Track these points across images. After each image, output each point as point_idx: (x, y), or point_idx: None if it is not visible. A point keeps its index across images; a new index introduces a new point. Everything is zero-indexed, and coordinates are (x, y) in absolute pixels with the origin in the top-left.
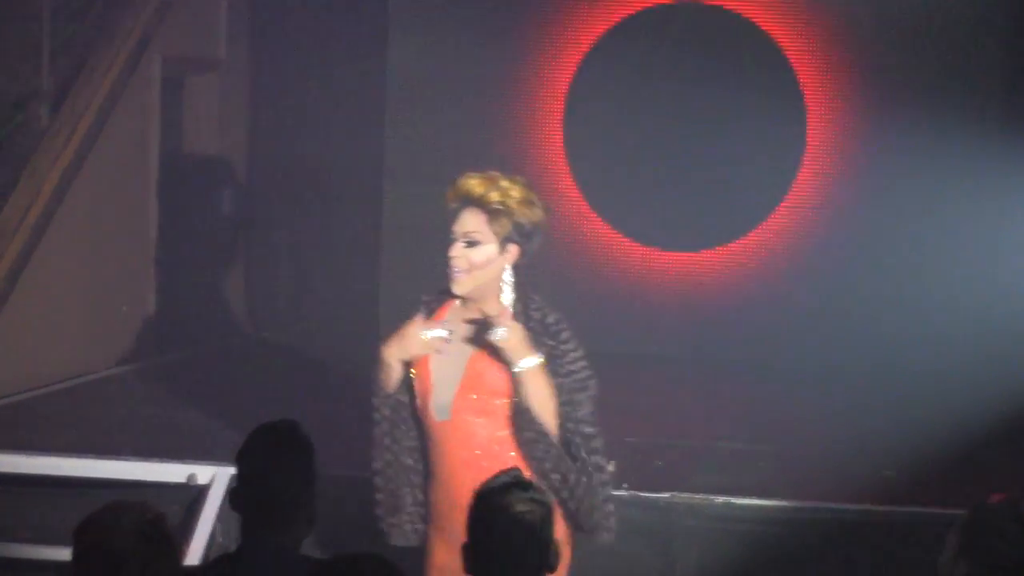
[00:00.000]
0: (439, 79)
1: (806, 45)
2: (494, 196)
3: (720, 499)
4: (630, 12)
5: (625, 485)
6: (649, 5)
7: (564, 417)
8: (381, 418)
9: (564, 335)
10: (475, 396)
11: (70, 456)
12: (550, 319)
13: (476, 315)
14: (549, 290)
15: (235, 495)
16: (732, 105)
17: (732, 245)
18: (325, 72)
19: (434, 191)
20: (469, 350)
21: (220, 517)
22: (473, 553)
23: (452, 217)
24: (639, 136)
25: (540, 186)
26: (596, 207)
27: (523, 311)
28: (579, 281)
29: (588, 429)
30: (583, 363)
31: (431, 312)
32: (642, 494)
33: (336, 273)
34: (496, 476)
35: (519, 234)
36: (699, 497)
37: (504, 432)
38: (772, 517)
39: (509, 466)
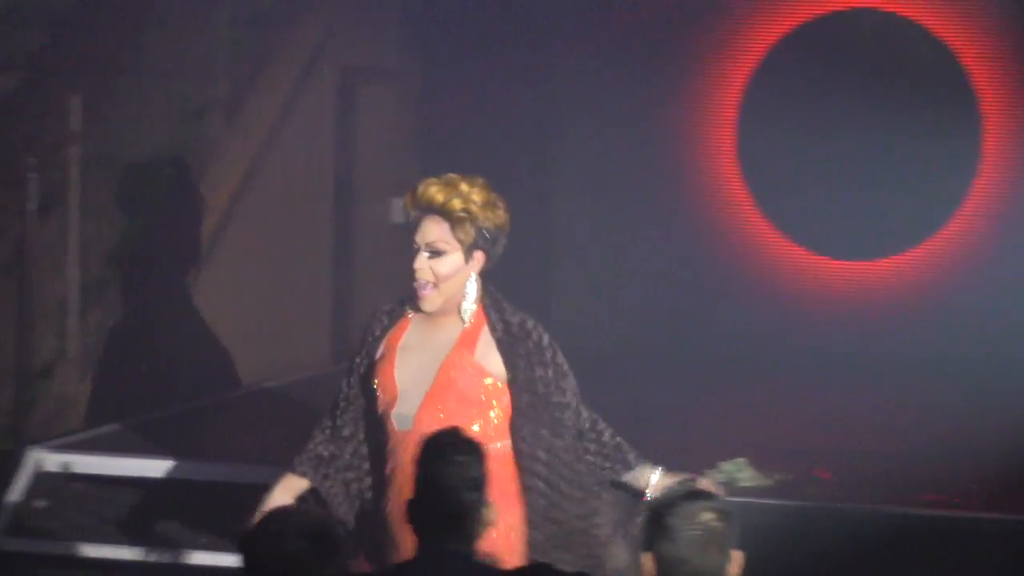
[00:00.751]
0: (607, 88)
1: (983, 52)
2: (456, 203)
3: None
4: (804, 19)
5: (814, 497)
6: (823, 12)
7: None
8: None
9: (545, 340)
10: (441, 409)
11: (251, 463)
12: (529, 324)
13: (442, 325)
14: (722, 296)
15: (410, 504)
16: (907, 112)
17: (905, 254)
18: (495, 82)
19: (604, 203)
20: (440, 359)
21: None
22: (659, 565)
23: (413, 226)
24: (812, 144)
25: (713, 194)
26: (769, 215)
27: (500, 318)
28: (751, 289)
29: (564, 456)
30: (565, 371)
31: (391, 324)
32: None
33: (506, 284)
34: (672, 488)
35: (484, 240)
36: (894, 508)
37: None
38: (980, 530)
39: None
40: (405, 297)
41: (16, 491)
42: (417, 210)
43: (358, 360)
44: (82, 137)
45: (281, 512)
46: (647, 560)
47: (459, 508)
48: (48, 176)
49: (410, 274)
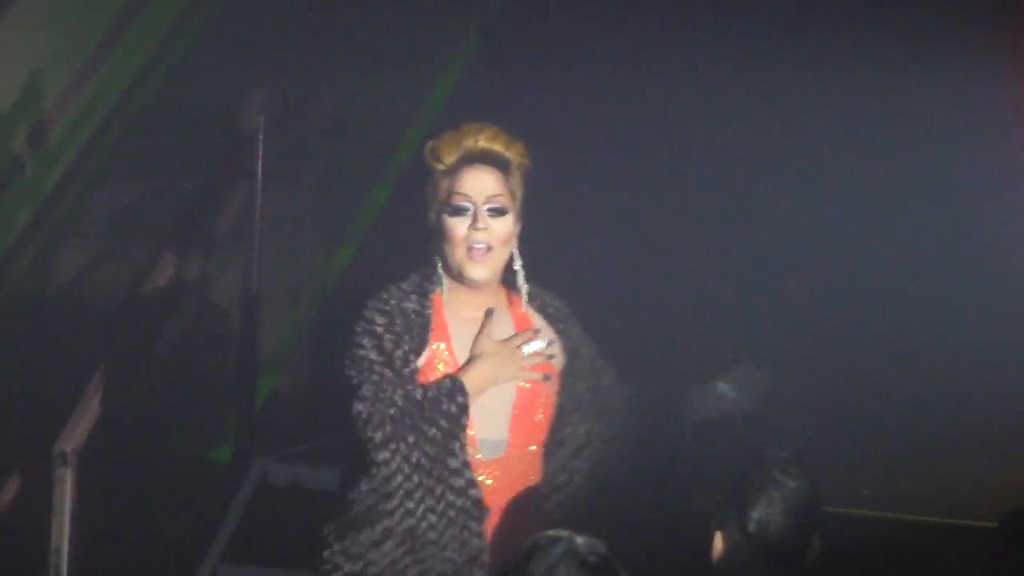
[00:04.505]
0: None
1: None
2: (518, 148)
3: None
4: None
5: None
6: None
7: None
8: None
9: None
10: (532, 425)
11: None
12: (560, 303)
13: (485, 307)
14: None
15: None
16: None
17: None
18: None
19: None
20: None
21: None
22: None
23: (448, 179)
24: None
25: None
26: None
27: (541, 304)
28: None
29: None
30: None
31: (426, 309)
32: None
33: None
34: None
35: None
36: None
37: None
38: None
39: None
40: (425, 270)
41: (238, 508)
42: (455, 157)
43: (380, 358)
44: None
45: None
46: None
47: None
48: None
49: (452, 240)
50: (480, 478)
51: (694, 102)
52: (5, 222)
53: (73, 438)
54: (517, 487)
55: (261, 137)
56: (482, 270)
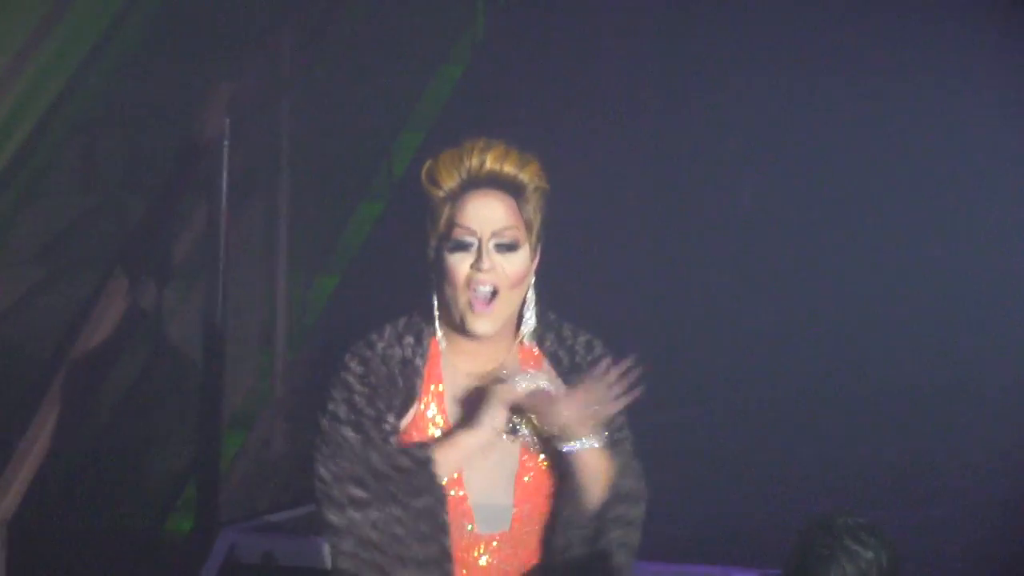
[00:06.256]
0: None
1: None
2: (533, 169)
3: None
4: None
5: None
6: None
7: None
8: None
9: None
10: (543, 498)
11: None
12: (597, 350)
13: (489, 357)
14: None
15: None
16: None
17: None
18: None
19: None
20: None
21: None
22: None
23: (447, 206)
24: None
25: None
26: None
27: (557, 342)
28: None
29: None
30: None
31: (421, 358)
32: None
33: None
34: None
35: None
36: None
37: None
38: None
39: None
40: (418, 314)
41: None
42: (464, 182)
43: (370, 412)
44: None
45: None
46: None
47: None
48: None
49: (453, 281)
50: (475, 555)
51: (709, 92)
52: None
53: (2, 507)
54: (523, 571)
55: (227, 142)
56: (486, 323)
